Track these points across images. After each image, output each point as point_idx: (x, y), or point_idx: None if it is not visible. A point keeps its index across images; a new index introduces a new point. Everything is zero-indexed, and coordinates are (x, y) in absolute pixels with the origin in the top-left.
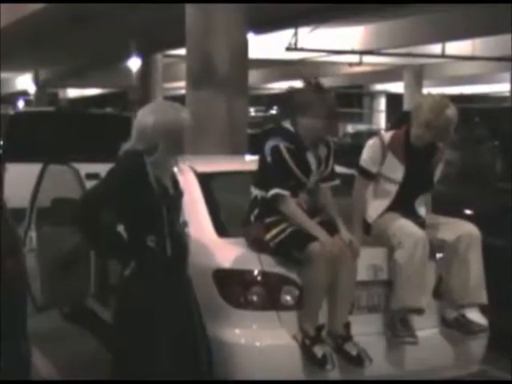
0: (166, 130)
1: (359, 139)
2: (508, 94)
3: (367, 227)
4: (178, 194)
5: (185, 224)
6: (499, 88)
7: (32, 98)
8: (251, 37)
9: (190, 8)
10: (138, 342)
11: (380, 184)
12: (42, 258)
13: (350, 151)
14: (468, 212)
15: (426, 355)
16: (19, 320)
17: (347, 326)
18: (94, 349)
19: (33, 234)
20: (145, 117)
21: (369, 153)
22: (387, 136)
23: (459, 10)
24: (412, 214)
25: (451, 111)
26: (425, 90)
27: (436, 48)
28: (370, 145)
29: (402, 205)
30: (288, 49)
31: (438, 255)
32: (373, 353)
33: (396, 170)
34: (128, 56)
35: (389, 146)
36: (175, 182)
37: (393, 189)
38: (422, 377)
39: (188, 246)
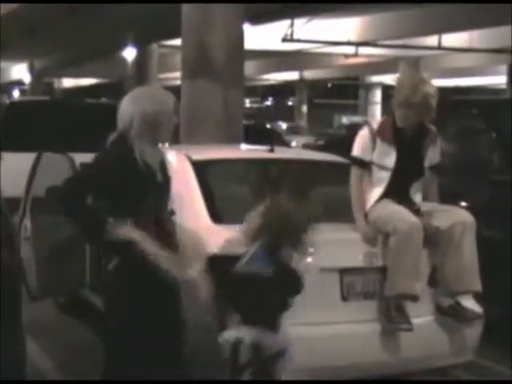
0: (148, 119)
1: (354, 131)
2: (504, 86)
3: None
4: (166, 180)
5: (172, 212)
6: (496, 80)
7: (27, 87)
8: (247, 27)
9: None
10: (124, 337)
11: (373, 172)
12: (37, 247)
13: (345, 142)
14: (463, 204)
15: (420, 342)
16: (14, 310)
17: None
18: (89, 340)
19: (28, 222)
20: (127, 105)
21: (360, 142)
22: (376, 124)
23: (456, 1)
24: (407, 201)
25: (428, 86)
26: None
27: (432, 40)
28: (361, 134)
29: (397, 192)
30: (284, 40)
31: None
32: (368, 339)
33: (387, 156)
34: (123, 46)
35: (378, 133)
36: (163, 169)
37: (386, 176)
38: (416, 364)
39: (175, 234)
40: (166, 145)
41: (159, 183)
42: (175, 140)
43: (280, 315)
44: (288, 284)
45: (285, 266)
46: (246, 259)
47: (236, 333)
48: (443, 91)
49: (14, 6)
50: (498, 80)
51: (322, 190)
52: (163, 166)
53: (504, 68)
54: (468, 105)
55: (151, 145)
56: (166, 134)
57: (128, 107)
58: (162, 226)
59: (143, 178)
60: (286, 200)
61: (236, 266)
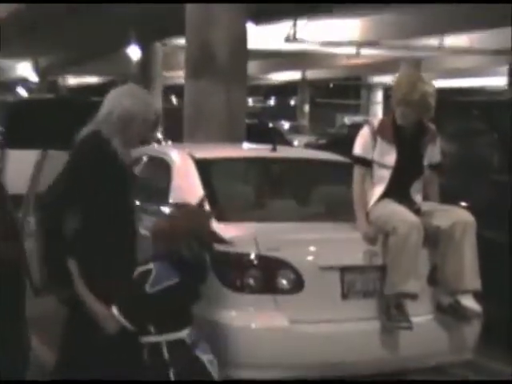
0: (128, 118)
1: (356, 130)
2: (505, 88)
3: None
4: (134, 175)
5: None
6: (496, 81)
7: (32, 85)
8: (251, 27)
9: None
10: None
11: (374, 170)
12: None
13: (347, 142)
14: (463, 204)
15: (420, 341)
16: (19, 302)
17: None
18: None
19: (31, 218)
20: (110, 102)
21: (360, 141)
22: (376, 122)
23: (457, 3)
24: (407, 201)
25: (426, 85)
26: None
27: (434, 41)
28: (361, 133)
29: (398, 191)
30: (287, 40)
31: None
32: (368, 337)
33: (388, 154)
34: (128, 44)
35: (378, 132)
36: (132, 164)
37: (386, 174)
38: (416, 362)
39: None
40: (169, 143)
41: (130, 177)
42: (178, 137)
43: (191, 311)
44: (199, 277)
45: (192, 264)
46: (150, 282)
47: (154, 338)
48: (444, 92)
49: (15, 5)
50: (499, 81)
51: (323, 189)
52: (131, 161)
53: (504, 69)
54: (469, 106)
55: (124, 141)
56: (139, 132)
57: (109, 102)
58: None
59: (117, 172)
60: (192, 209)
61: (144, 292)
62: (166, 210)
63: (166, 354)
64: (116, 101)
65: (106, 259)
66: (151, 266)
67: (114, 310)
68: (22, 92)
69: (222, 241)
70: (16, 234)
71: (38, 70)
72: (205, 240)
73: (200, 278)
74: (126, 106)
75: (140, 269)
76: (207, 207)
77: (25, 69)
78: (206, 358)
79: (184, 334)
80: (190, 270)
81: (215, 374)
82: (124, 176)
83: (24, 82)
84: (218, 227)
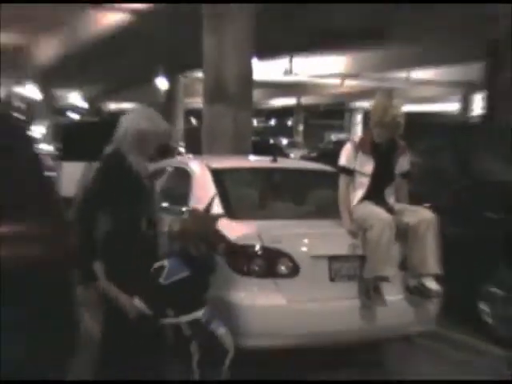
0: (141, 137)
1: (340, 146)
2: (457, 112)
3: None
4: (151, 184)
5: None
6: (451, 107)
7: (81, 110)
8: (255, 62)
9: (206, 37)
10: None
11: (355, 178)
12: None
13: (333, 155)
14: (427, 205)
15: (393, 315)
16: (72, 286)
17: None
18: None
19: None
20: (124, 121)
21: (344, 154)
22: (357, 139)
23: (422, 44)
24: (382, 202)
25: (396, 109)
26: None
27: (403, 74)
28: (345, 148)
29: (374, 195)
30: (285, 73)
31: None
32: (351, 312)
33: (367, 165)
34: (156, 77)
35: (359, 147)
36: (147, 175)
37: (365, 181)
38: (389, 332)
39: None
40: (190, 155)
41: (146, 187)
42: (197, 151)
43: (203, 296)
44: (207, 271)
45: (200, 260)
46: (163, 276)
47: (174, 320)
48: (411, 115)
49: (67, 47)
50: (453, 107)
51: (314, 193)
52: (147, 173)
53: (457, 98)
54: (431, 126)
55: (139, 156)
56: (152, 149)
57: (125, 123)
58: (152, 226)
59: (133, 182)
60: (199, 214)
61: (159, 284)
62: (185, 211)
63: (186, 332)
64: (129, 122)
65: (126, 258)
66: (165, 262)
67: (136, 300)
68: (74, 116)
69: (225, 239)
70: (68, 228)
71: (86, 99)
72: (210, 240)
73: (207, 271)
74: (138, 126)
75: (156, 265)
76: (216, 209)
77: (75, 97)
78: (220, 332)
79: (199, 314)
80: (198, 265)
81: (229, 345)
82: (140, 185)
83: (75, 107)
84: (229, 224)
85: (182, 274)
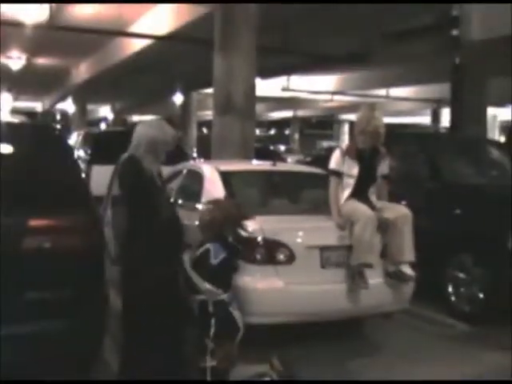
0: (152, 143)
1: (330, 152)
2: (429, 124)
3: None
4: (163, 185)
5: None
6: (424, 120)
7: (109, 121)
8: (258, 80)
9: (216, 61)
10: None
11: (344, 180)
12: (114, 229)
13: (324, 160)
14: (404, 202)
15: (375, 296)
16: (103, 269)
17: None
18: None
19: (109, 212)
20: (139, 132)
21: (334, 159)
22: (344, 146)
23: (399, 67)
24: (366, 200)
25: (377, 120)
26: None
27: (383, 91)
28: (334, 154)
29: (359, 194)
30: (283, 89)
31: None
32: (339, 294)
33: (353, 168)
34: (174, 93)
35: (346, 153)
36: (161, 177)
37: (352, 182)
38: (371, 310)
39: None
40: (202, 160)
41: (159, 187)
42: (208, 156)
43: (232, 279)
44: (237, 255)
45: (232, 244)
46: (212, 256)
47: (202, 296)
48: (390, 126)
49: (98, 68)
50: (426, 120)
51: (308, 192)
52: (161, 175)
53: (429, 111)
54: (407, 136)
55: (152, 160)
56: (162, 153)
57: (138, 132)
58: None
59: (148, 183)
60: (226, 204)
61: (210, 263)
62: (200, 207)
63: (210, 309)
64: (141, 131)
65: (150, 245)
66: (208, 245)
67: (207, 285)
68: (103, 126)
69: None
70: (99, 222)
71: (114, 111)
72: (239, 224)
73: (238, 253)
74: (150, 134)
75: (199, 250)
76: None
77: (105, 110)
78: (236, 313)
79: (226, 296)
80: (231, 247)
81: (241, 324)
82: (154, 186)
83: (104, 119)
84: None
85: (223, 255)
